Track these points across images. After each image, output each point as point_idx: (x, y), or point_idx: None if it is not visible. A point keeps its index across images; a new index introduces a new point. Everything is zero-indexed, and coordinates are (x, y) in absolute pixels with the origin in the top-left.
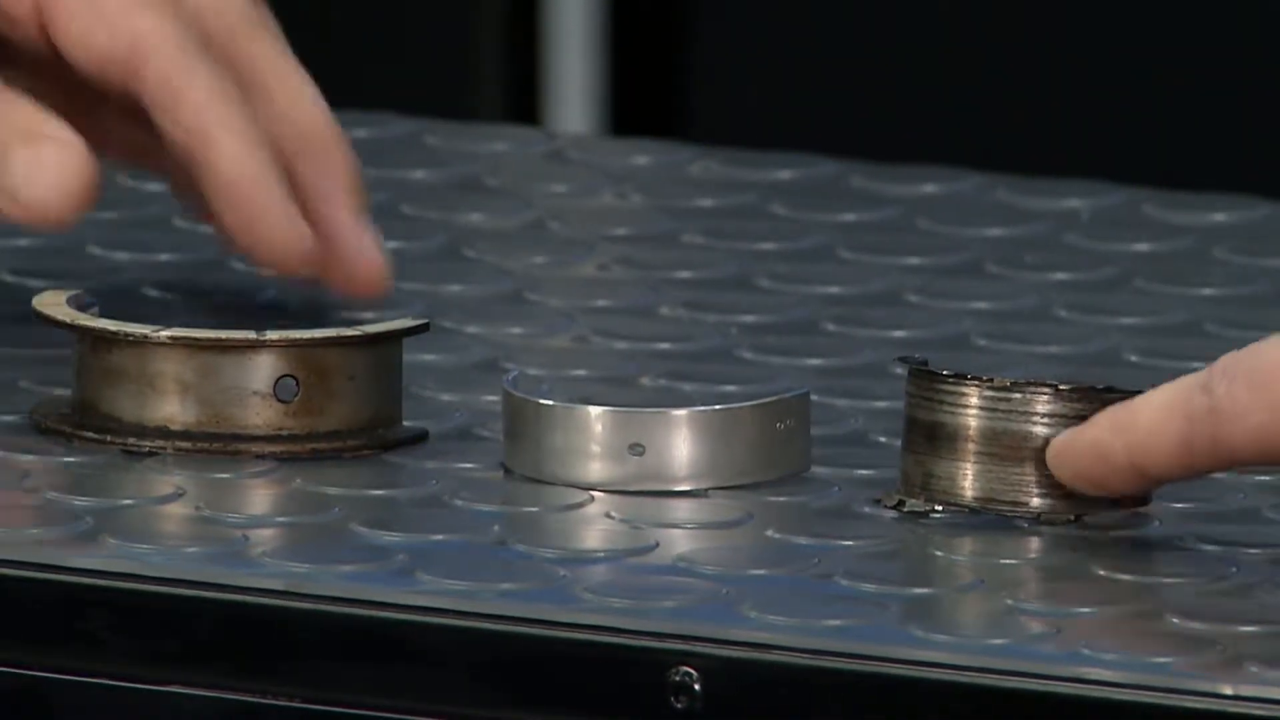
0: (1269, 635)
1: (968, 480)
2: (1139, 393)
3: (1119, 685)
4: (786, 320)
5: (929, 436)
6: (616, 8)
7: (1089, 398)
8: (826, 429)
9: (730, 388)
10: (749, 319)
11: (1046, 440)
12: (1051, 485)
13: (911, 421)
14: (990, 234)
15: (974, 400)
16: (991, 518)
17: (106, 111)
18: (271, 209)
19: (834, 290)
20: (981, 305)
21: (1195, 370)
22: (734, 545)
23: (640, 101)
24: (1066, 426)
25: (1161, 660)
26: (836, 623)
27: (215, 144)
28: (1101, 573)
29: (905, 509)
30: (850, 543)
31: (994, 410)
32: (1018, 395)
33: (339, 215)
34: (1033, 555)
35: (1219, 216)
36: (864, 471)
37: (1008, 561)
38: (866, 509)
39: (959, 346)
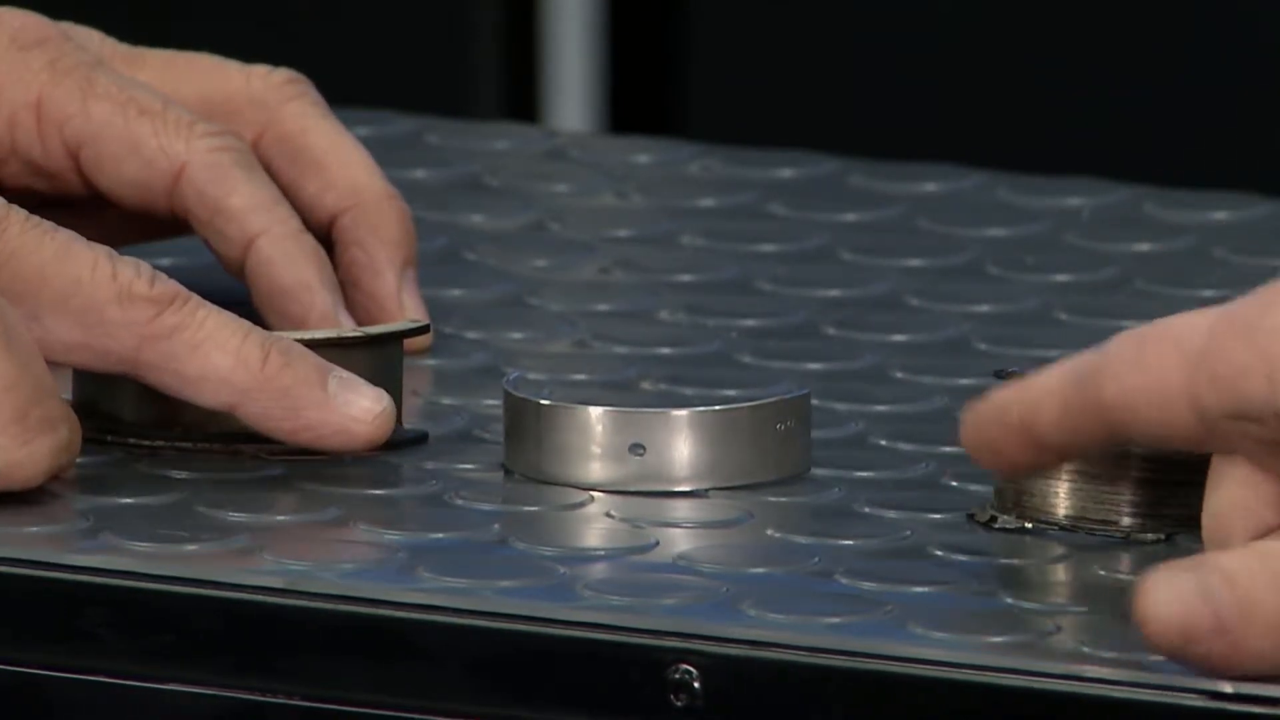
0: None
1: (1059, 498)
2: None
3: (1118, 683)
4: (786, 324)
5: None
6: (615, 4)
7: None
8: (826, 432)
9: (730, 392)
10: (749, 323)
11: (1140, 459)
12: (1142, 505)
13: None
14: (991, 234)
15: None
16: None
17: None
18: (314, 315)
19: (834, 293)
20: (983, 308)
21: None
22: (734, 544)
23: (639, 98)
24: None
25: (1161, 659)
26: (836, 620)
27: (257, 252)
28: (1100, 571)
29: (997, 525)
30: (850, 542)
31: None
32: None
33: (383, 286)
34: (1031, 554)
35: (1219, 215)
36: (864, 474)
37: (1006, 561)
38: (867, 509)
39: (960, 351)
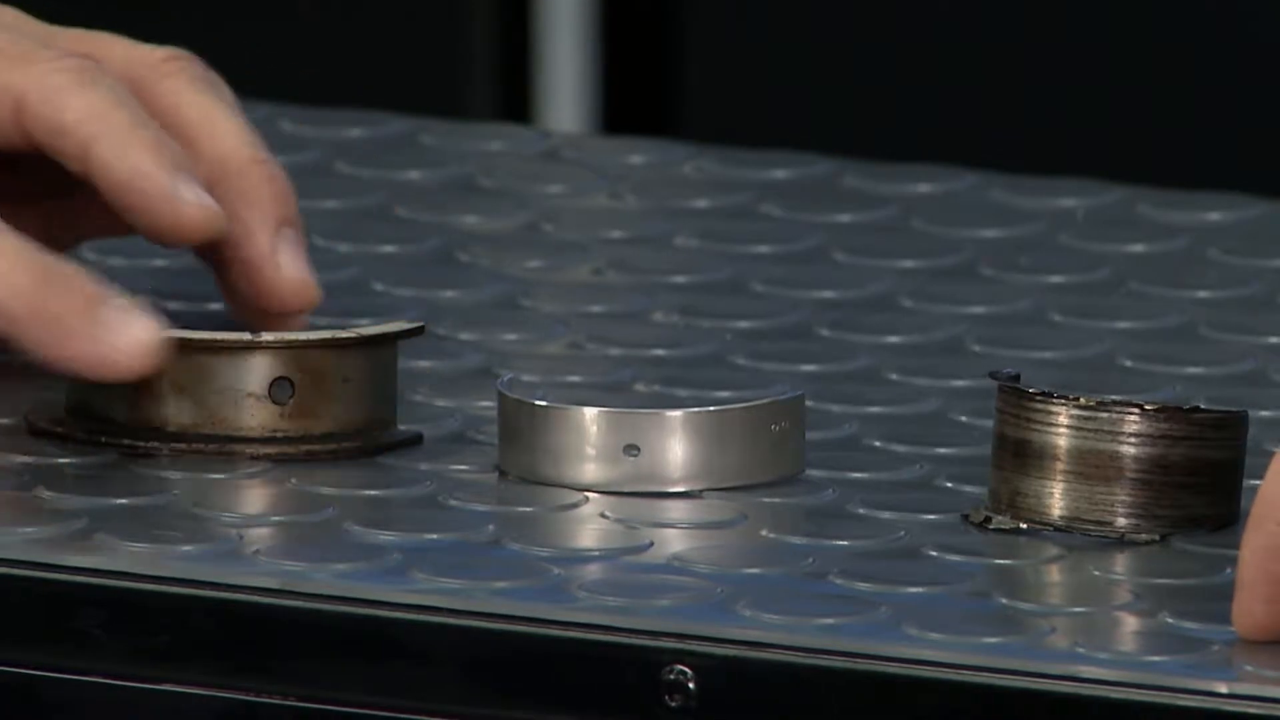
0: None
1: (1054, 499)
2: (1220, 410)
3: (1114, 684)
4: (781, 325)
5: (1017, 454)
6: (609, 5)
7: (1176, 418)
8: (821, 433)
9: (725, 393)
10: (743, 324)
11: (1134, 460)
12: (1137, 506)
13: (1001, 438)
14: (985, 235)
15: (1062, 419)
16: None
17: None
18: (155, 200)
19: (828, 295)
20: (977, 310)
21: (1189, 375)
22: (728, 545)
23: (633, 99)
24: (1154, 446)
25: (1157, 659)
26: (830, 621)
27: (95, 160)
28: (1096, 572)
29: (992, 526)
30: (844, 542)
31: (1081, 429)
32: (1104, 414)
33: (255, 248)
34: (1026, 555)
35: (1213, 216)
36: (859, 475)
37: (1001, 561)
38: (861, 510)
39: (954, 352)
